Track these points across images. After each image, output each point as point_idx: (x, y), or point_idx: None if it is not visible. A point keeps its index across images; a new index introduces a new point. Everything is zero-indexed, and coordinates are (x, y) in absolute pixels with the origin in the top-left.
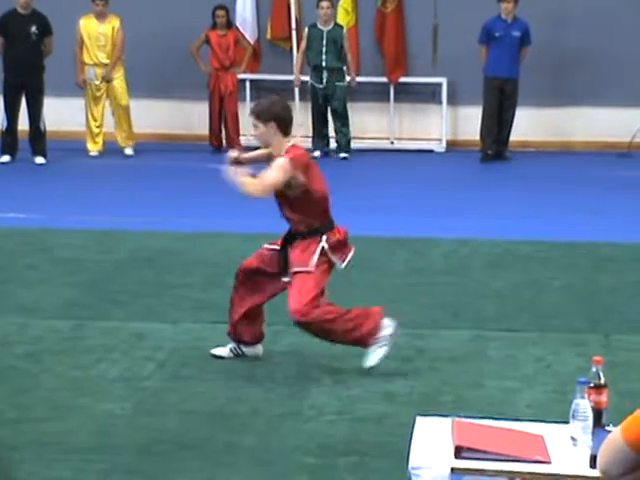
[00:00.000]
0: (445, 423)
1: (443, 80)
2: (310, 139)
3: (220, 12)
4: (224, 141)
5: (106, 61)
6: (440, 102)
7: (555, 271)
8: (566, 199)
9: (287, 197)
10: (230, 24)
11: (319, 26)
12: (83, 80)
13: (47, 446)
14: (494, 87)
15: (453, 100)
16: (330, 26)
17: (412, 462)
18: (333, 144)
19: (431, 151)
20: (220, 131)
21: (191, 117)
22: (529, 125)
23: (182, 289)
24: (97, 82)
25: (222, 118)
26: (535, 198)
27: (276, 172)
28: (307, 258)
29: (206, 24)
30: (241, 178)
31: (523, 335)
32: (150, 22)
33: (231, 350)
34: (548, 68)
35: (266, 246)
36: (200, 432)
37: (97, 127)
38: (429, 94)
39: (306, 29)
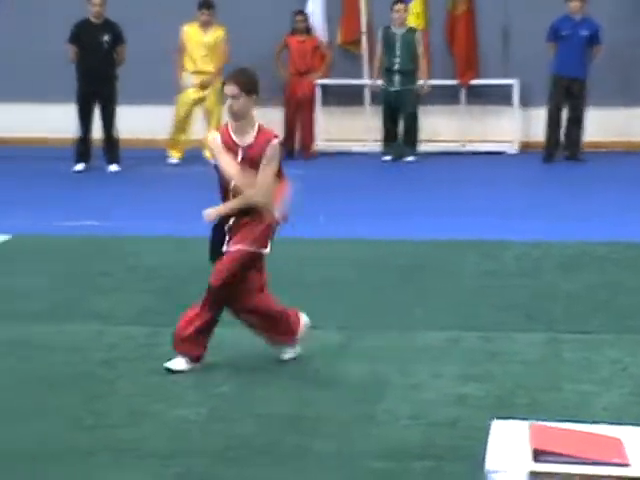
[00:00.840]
0: (522, 426)
1: (515, 81)
2: (380, 143)
3: (300, 17)
4: (296, 146)
5: (206, 69)
6: (512, 103)
7: (630, 272)
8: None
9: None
10: (309, 30)
11: (393, 29)
12: (183, 85)
13: (123, 452)
14: (560, 86)
15: (525, 101)
16: (404, 29)
17: (489, 466)
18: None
19: (503, 153)
20: (294, 137)
21: (267, 123)
22: (599, 126)
23: None
24: (192, 90)
25: (296, 124)
26: (608, 199)
27: (272, 168)
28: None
29: (282, 29)
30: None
31: (598, 337)
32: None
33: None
34: (618, 68)
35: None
36: (273, 436)
37: (183, 134)
38: (501, 96)
39: (380, 31)
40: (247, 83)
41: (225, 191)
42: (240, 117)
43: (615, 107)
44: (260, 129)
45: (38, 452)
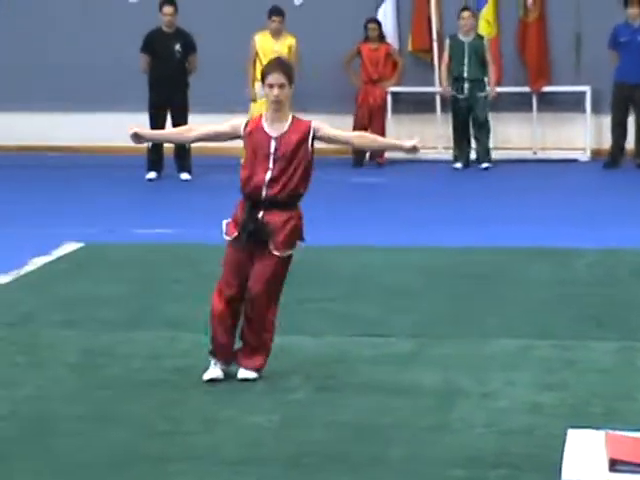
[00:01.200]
0: (598, 436)
1: (587, 88)
2: (451, 151)
3: (372, 25)
4: (367, 155)
5: None
6: (584, 111)
7: None
8: None
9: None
10: (382, 37)
11: (460, 37)
12: (253, 95)
13: (198, 459)
14: (622, 93)
15: (597, 108)
16: (471, 37)
17: (565, 475)
18: (473, 155)
19: (575, 160)
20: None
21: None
22: None
23: (326, 302)
24: (262, 98)
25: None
26: None
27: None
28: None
29: (353, 37)
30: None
31: None
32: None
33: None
34: None
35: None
36: (346, 444)
37: None
38: (573, 103)
39: (447, 40)
40: (291, 73)
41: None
42: (282, 106)
43: None
44: (294, 119)
45: (112, 459)
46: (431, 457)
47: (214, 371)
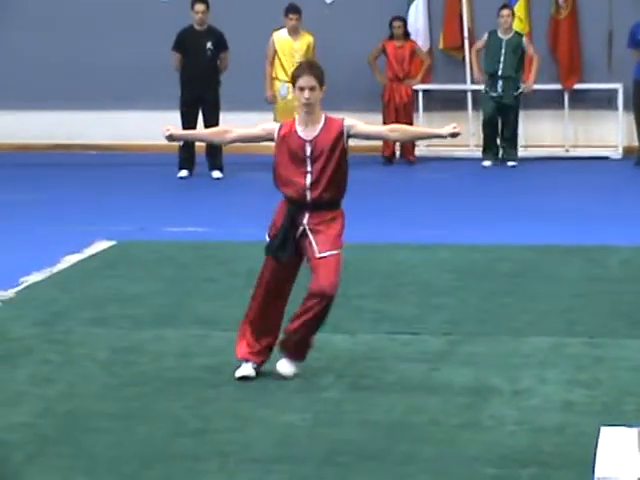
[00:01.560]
0: (631, 433)
1: (619, 86)
2: (481, 148)
3: (397, 23)
4: (397, 153)
5: None
6: (616, 108)
7: None
8: None
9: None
10: (407, 35)
11: (499, 34)
12: (273, 95)
13: (230, 456)
14: None
15: (629, 106)
16: (510, 34)
17: (598, 472)
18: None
19: (607, 158)
20: (394, 143)
21: None
22: None
23: (358, 300)
24: (289, 97)
25: None
26: None
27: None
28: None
29: (380, 35)
30: None
31: None
32: (321, 34)
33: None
34: None
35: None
36: (379, 442)
37: None
38: (605, 100)
39: (486, 34)
40: (321, 75)
41: (277, 175)
42: (314, 109)
43: None
44: (327, 120)
45: (144, 456)
46: (463, 455)
47: (246, 368)
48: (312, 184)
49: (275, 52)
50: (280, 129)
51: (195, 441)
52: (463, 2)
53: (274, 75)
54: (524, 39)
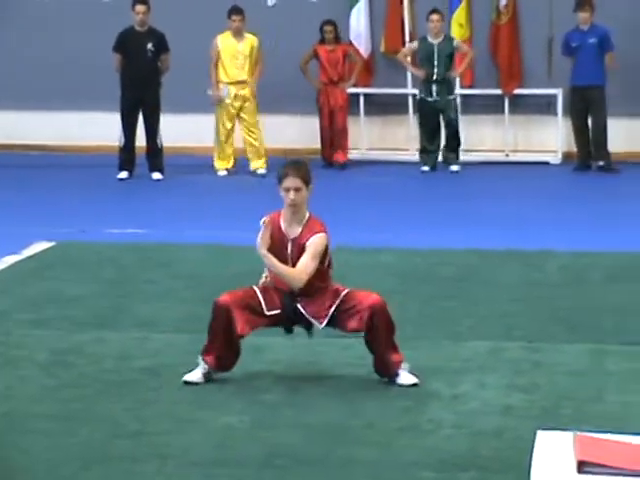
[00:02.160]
0: (567, 437)
1: (559, 91)
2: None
3: (328, 27)
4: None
5: (241, 79)
6: (556, 113)
7: None
8: None
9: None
10: (338, 39)
11: (429, 39)
12: (218, 96)
13: (168, 458)
14: (577, 97)
15: (568, 111)
16: (440, 38)
17: (534, 477)
18: (440, 157)
19: (547, 163)
20: (331, 146)
21: (303, 132)
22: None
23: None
24: (228, 101)
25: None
26: None
27: (313, 255)
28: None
29: (313, 39)
30: (280, 269)
31: None
32: (262, 36)
33: (203, 374)
34: (632, 76)
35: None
36: (318, 446)
37: (228, 146)
38: (544, 105)
39: (415, 42)
40: (307, 175)
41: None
42: (299, 209)
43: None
44: (309, 219)
45: (83, 458)
46: (401, 459)
47: (196, 374)
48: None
49: (218, 54)
50: (270, 228)
51: (134, 443)
52: (405, 6)
53: (218, 77)
54: (455, 41)
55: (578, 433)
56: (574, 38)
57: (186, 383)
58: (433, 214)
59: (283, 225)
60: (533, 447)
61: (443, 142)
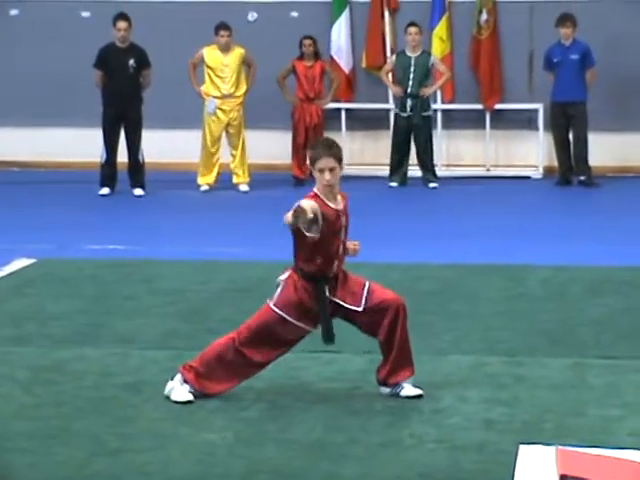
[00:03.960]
0: (549, 451)
1: (540, 106)
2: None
3: (307, 42)
4: (308, 173)
5: (228, 93)
6: (537, 128)
7: None
8: None
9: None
10: (318, 54)
11: (407, 53)
12: (205, 92)
13: (149, 475)
14: (559, 112)
15: (550, 126)
16: (418, 52)
17: None
18: (418, 172)
19: (528, 177)
20: (304, 163)
21: (283, 147)
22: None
23: None
24: (215, 113)
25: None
26: (630, 224)
27: None
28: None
29: (294, 54)
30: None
31: (624, 363)
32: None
33: (190, 392)
34: (613, 91)
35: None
36: (299, 461)
37: (213, 159)
38: (525, 120)
39: (393, 56)
40: (340, 153)
41: (308, 251)
42: (335, 187)
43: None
44: (341, 194)
45: (63, 476)
46: (383, 474)
47: (188, 395)
48: (341, 254)
49: (202, 61)
50: (320, 208)
51: (114, 461)
52: (386, 21)
53: (204, 90)
54: (432, 57)
55: (560, 447)
56: (556, 53)
57: (177, 402)
58: (413, 229)
59: (329, 203)
60: (515, 461)
61: (417, 160)
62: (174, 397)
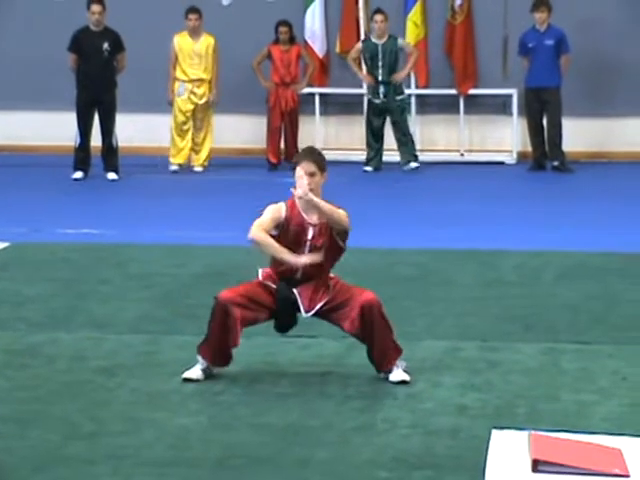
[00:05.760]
0: (521, 437)
1: (514, 91)
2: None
3: (283, 28)
4: (282, 157)
5: (197, 77)
6: (511, 113)
7: (629, 283)
8: (636, 210)
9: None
10: (293, 40)
11: (373, 40)
12: (174, 98)
13: (123, 459)
14: (533, 97)
15: (524, 111)
16: (384, 39)
17: (488, 476)
18: (393, 158)
19: (502, 163)
20: (279, 147)
21: (257, 132)
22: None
23: None
24: (184, 97)
25: (282, 134)
26: (604, 209)
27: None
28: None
29: (268, 39)
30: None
31: (597, 347)
32: (216, 36)
33: (202, 370)
34: (588, 77)
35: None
36: (273, 446)
37: (182, 141)
38: (499, 105)
39: (360, 43)
40: (322, 161)
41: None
42: (314, 194)
43: (589, 117)
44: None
45: (36, 461)
46: (356, 458)
47: (195, 371)
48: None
49: (176, 54)
50: (286, 214)
51: (89, 444)
52: (360, 6)
53: (175, 77)
54: (399, 40)
55: (533, 432)
56: (530, 38)
57: (185, 380)
58: (387, 214)
59: (302, 212)
60: (488, 446)
61: (395, 143)
62: (184, 374)
